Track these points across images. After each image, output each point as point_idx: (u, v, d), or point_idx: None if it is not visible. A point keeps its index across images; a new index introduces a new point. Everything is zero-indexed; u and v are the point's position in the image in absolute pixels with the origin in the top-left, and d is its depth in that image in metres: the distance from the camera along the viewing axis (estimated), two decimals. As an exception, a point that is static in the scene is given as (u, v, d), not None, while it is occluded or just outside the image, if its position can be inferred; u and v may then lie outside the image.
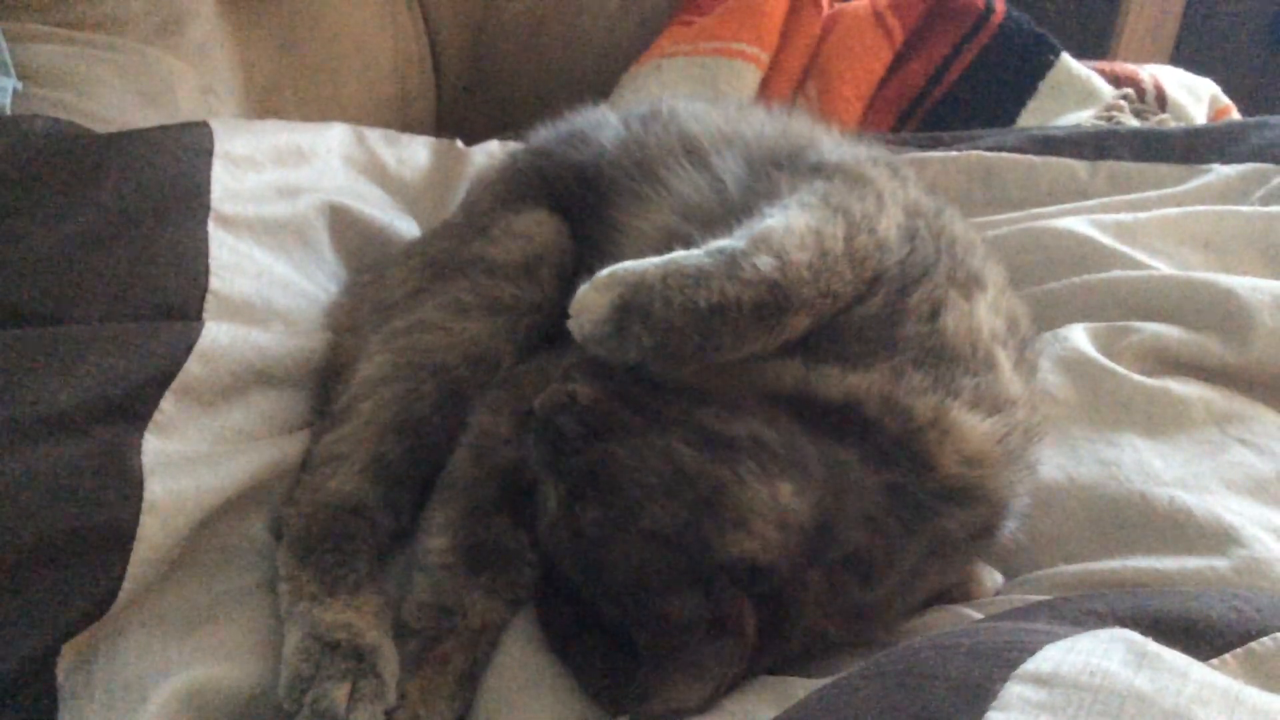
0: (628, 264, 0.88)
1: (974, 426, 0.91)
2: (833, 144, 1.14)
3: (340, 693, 0.83)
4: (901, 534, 0.88)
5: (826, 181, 0.99)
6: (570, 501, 0.85)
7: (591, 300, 0.86)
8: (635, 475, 0.83)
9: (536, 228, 1.16)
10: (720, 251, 0.87)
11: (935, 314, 0.94)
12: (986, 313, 0.98)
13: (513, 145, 1.57)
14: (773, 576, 0.83)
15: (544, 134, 1.31)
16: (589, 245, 1.16)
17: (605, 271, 0.87)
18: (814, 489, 0.85)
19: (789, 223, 0.91)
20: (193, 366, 1.00)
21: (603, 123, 1.26)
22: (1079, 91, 1.92)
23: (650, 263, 0.87)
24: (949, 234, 1.02)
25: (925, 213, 1.02)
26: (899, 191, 1.02)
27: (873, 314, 0.93)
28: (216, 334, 1.04)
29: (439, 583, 0.93)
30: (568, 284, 1.12)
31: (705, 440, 0.85)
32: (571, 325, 0.87)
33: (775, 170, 1.06)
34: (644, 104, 1.30)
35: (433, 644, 0.90)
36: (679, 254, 0.88)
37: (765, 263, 0.86)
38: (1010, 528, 0.97)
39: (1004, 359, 0.97)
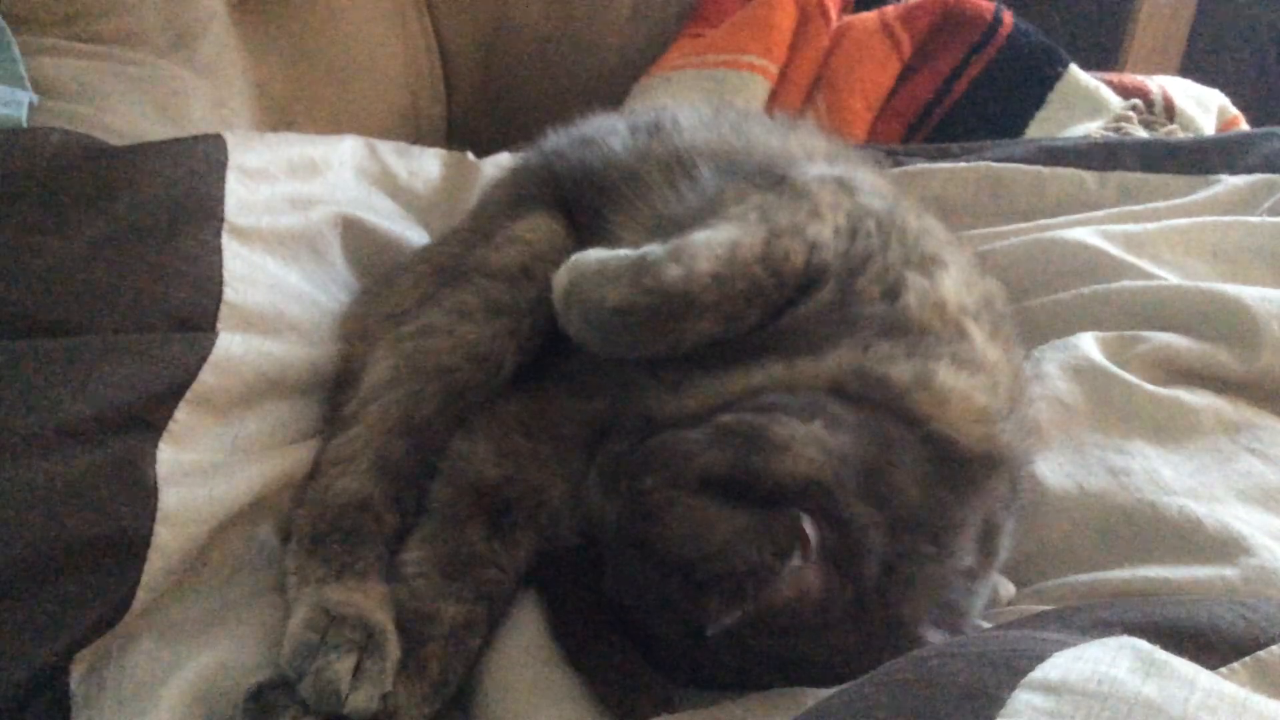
0: (589, 252, 0.98)
1: (966, 384, 0.94)
2: (801, 158, 1.16)
3: (345, 665, 0.84)
4: (953, 498, 0.89)
5: (772, 195, 1.03)
6: (630, 485, 0.87)
7: (557, 279, 0.98)
8: (683, 443, 0.88)
9: (533, 232, 1.18)
10: (642, 256, 0.95)
11: (893, 294, 0.97)
12: (953, 287, 1.00)
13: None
14: (829, 492, 0.84)
15: (556, 137, 1.33)
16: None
17: (575, 255, 0.98)
18: (847, 431, 0.88)
19: (712, 234, 0.97)
20: (207, 377, 1.01)
21: (612, 129, 1.28)
22: (1087, 102, 1.92)
23: (596, 255, 0.97)
24: (900, 225, 1.04)
25: (874, 213, 1.04)
26: (843, 202, 1.04)
27: (826, 302, 0.97)
28: (230, 344, 1.04)
29: (416, 590, 0.94)
30: None
31: (738, 404, 0.91)
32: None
33: (733, 183, 1.09)
34: (651, 111, 1.31)
35: (414, 648, 0.90)
36: (619, 252, 0.97)
37: (671, 272, 0.93)
38: (1026, 483, 0.99)
39: (976, 330, 0.98)
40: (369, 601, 0.90)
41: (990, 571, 0.94)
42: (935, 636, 0.86)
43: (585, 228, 1.19)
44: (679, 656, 0.88)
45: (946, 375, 0.93)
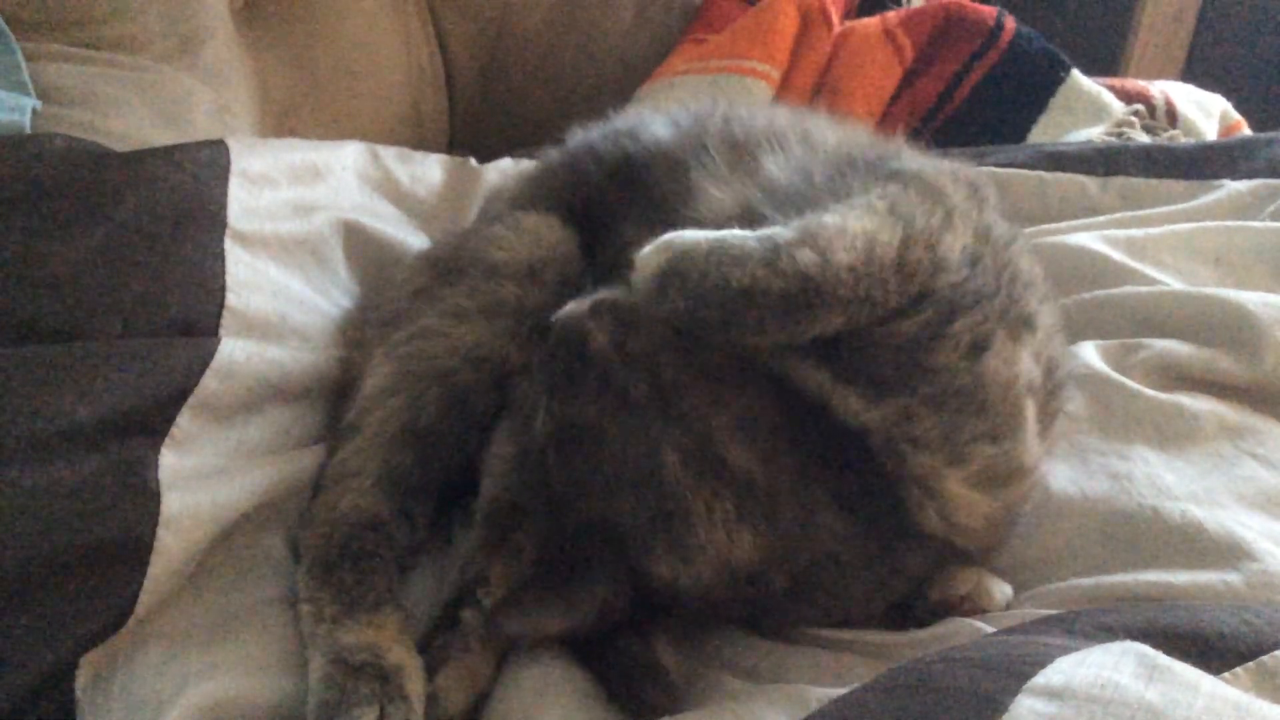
0: (686, 233, 0.89)
1: (967, 500, 0.91)
2: (913, 154, 1.12)
3: (369, 718, 0.84)
4: (857, 569, 0.90)
5: (900, 188, 0.96)
6: (553, 442, 0.87)
7: (648, 260, 0.89)
8: (617, 460, 0.85)
9: (547, 230, 1.17)
10: (769, 238, 0.88)
11: (977, 351, 0.91)
12: (1029, 360, 0.95)
13: (526, 162, 1.58)
14: (681, 599, 0.87)
15: (581, 136, 1.32)
16: (630, 237, 1.15)
17: (666, 236, 0.89)
18: (772, 542, 0.87)
19: (845, 223, 0.90)
20: (209, 382, 1.01)
21: (649, 120, 1.27)
22: (1089, 108, 1.92)
23: (704, 235, 0.89)
24: (1013, 268, 0.98)
25: (995, 240, 0.98)
26: (973, 212, 0.99)
27: (912, 334, 0.90)
28: (233, 350, 1.05)
29: (512, 484, 0.96)
30: (572, 293, 1.13)
31: (698, 454, 0.86)
32: (632, 278, 0.90)
33: (852, 170, 1.05)
34: (699, 108, 1.29)
35: (506, 534, 0.93)
36: (732, 232, 0.89)
37: (806, 257, 0.86)
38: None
39: (1031, 415, 0.94)
40: (384, 637, 0.89)
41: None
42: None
43: (613, 224, 1.18)
44: None
45: (955, 485, 0.90)
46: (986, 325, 0.92)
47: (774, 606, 0.90)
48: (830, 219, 0.90)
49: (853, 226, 0.89)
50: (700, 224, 1.02)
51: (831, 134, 1.17)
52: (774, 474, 0.87)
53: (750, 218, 0.98)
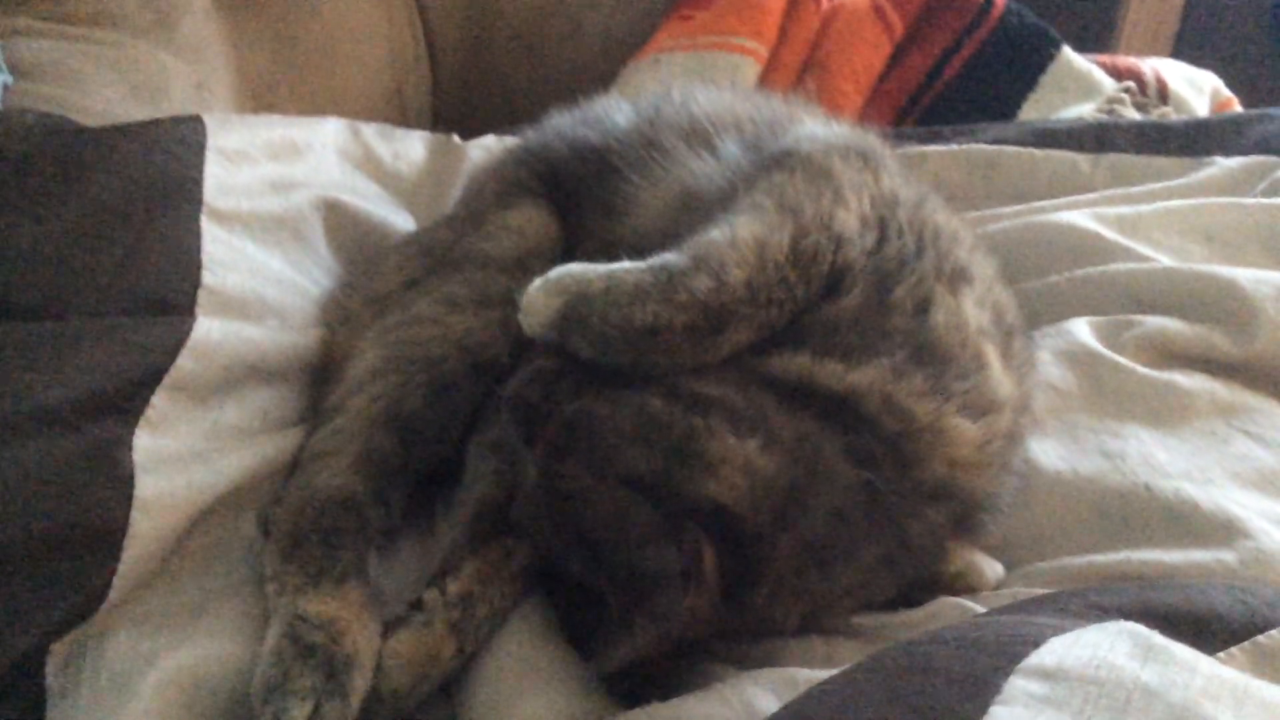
0: (574, 269, 0.90)
1: (964, 431, 0.92)
2: (811, 128, 1.13)
3: (301, 713, 0.81)
4: (865, 533, 0.89)
5: (787, 175, 0.99)
6: (548, 460, 0.86)
7: (539, 303, 0.90)
8: (611, 424, 0.85)
9: (529, 223, 1.17)
10: (662, 268, 0.90)
11: (923, 309, 0.94)
12: (973, 308, 0.97)
13: (510, 140, 1.57)
14: (740, 523, 0.84)
15: (557, 120, 1.32)
16: (591, 228, 1.17)
17: (554, 274, 0.90)
18: (781, 453, 0.86)
19: (734, 235, 0.92)
20: (185, 362, 0.99)
21: (616, 107, 1.28)
22: (1080, 85, 1.91)
23: (595, 272, 0.89)
24: (932, 226, 1.01)
25: (903, 203, 1.01)
26: (869, 183, 1.01)
27: (857, 307, 0.93)
28: (209, 329, 1.03)
29: (516, 519, 0.94)
30: None
31: (676, 395, 0.87)
32: (521, 320, 0.91)
33: (754, 156, 1.07)
34: (657, 94, 1.30)
35: (491, 535, 0.93)
36: (623, 266, 0.91)
37: (702, 284, 0.88)
38: (990, 527, 0.99)
39: (993, 356, 0.97)
40: (347, 610, 0.87)
41: (889, 574, 0.94)
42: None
43: (585, 214, 1.18)
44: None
45: (951, 418, 0.92)
46: (924, 286, 0.95)
47: (810, 575, 0.88)
48: (719, 233, 0.92)
49: (742, 236, 0.92)
50: (631, 240, 1.07)
51: (751, 114, 1.18)
52: (753, 400, 0.89)
53: (673, 236, 1.00)
